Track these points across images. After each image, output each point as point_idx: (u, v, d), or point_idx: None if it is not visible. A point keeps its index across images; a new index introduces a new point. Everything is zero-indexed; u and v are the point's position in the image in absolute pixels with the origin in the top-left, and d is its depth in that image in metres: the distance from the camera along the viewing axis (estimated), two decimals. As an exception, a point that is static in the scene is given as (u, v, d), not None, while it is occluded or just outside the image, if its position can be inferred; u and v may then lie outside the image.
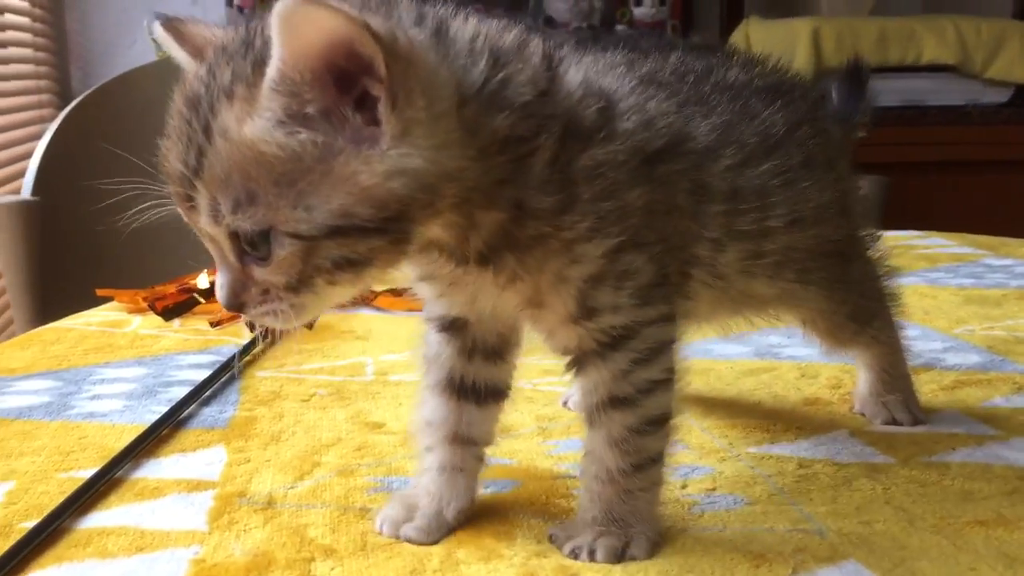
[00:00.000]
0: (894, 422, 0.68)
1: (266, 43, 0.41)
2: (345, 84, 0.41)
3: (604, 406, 0.49)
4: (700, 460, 0.62)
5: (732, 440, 0.65)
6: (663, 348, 0.49)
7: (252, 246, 0.43)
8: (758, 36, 2.81)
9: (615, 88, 0.49)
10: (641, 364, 0.49)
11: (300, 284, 0.43)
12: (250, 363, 0.82)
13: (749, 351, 0.84)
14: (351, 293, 0.46)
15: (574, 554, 0.50)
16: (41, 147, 2.02)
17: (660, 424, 0.50)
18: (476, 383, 0.54)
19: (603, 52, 0.53)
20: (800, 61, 2.63)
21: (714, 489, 0.58)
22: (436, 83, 0.42)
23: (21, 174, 2.24)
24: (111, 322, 0.96)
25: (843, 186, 0.61)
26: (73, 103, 2.10)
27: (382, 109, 0.40)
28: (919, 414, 0.68)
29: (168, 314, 0.96)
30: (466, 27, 0.45)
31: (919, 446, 0.64)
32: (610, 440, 0.49)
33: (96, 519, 0.54)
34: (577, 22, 3.03)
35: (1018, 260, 1.23)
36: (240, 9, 2.63)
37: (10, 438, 0.66)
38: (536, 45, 0.47)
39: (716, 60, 0.57)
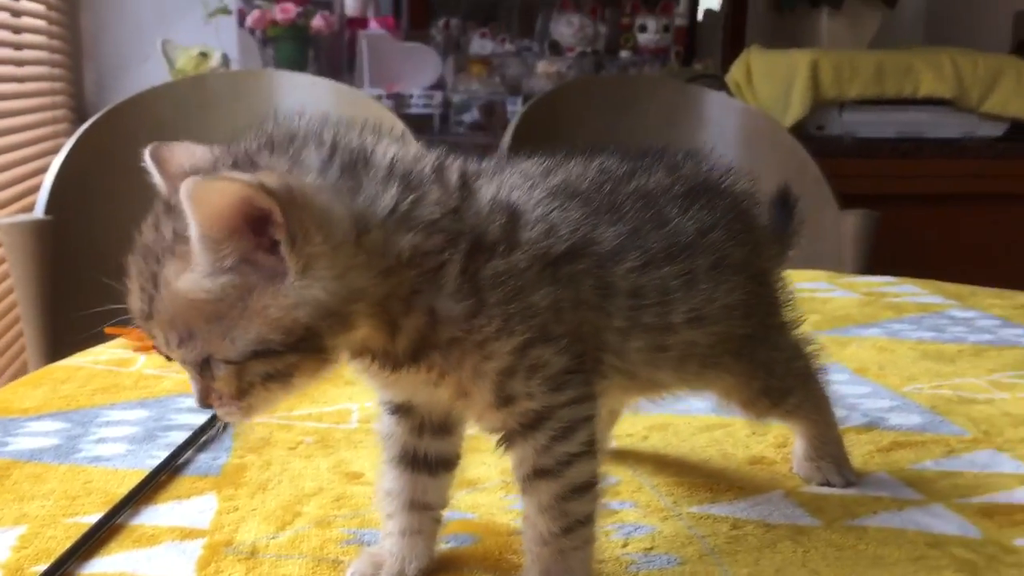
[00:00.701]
0: (828, 484, 0.74)
1: None
2: (259, 229, 0.48)
3: (531, 477, 0.56)
4: (644, 519, 0.68)
5: (677, 499, 0.72)
6: (578, 426, 0.55)
7: (201, 368, 0.51)
8: (759, 66, 2.87)
9: (523, 201, 0.55)
10: (559, 440, 0.55)
11: (242, 393, 0.51)
12: (244, 408, 0.89)
13: (707, 406, 0.90)
14: (291, 394, 0.53)
15: (518, 609, 0.56)
16: (55, 166, 2.09)
17: (584, 490, 0.56)
18: (428, 456, 0.61)
19: (525, 162, 0.59)
20: (798, 92, 2.70)
21: (652, 548, 0.64)
22: (331, 219, 0.49)
23: (35, 190, 2.33)
24: (118, 360, 1.02)
25: (759, 283, 0.67)
26: (87, 123, 2.18)
27: (283, 249, 0.48)
28: (851, 476, 0.75)
29: (171, 354, 1.03)
30: (385, 155, 0.52)
31: (845, 509, 0.70)
32: (540, 507, 0.56)
33: (98, 565, 0.61)
34: (581, 47, 3.10)
35: (981, 312, 1.29)
36: (251, 31, 2.71)
37: (23, 481, 0.73)
38: (454, 166, 0.54)
39: (642, 164, 0.63)
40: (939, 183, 2.69)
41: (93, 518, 0.66)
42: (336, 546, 0.64)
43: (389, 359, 0.54)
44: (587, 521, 0.57)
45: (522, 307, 0.52)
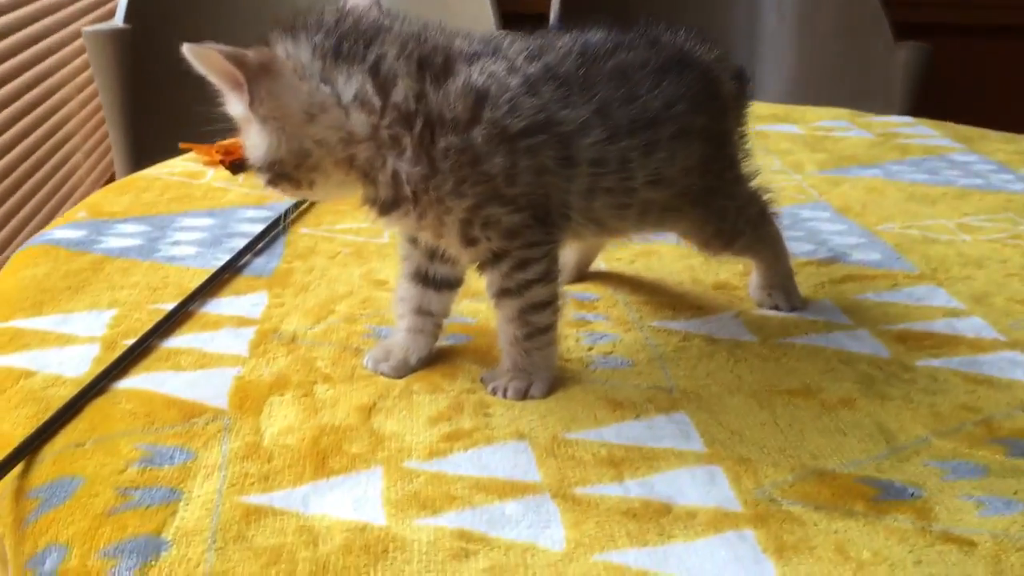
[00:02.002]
0: (776, 308, 0.88)
1: None
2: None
3: (499, 295, 0.71)
4: (611, 329, 0.83)
5: (643, 314, 0.86)
6: (533, 261, 0.69)
7: None
8: None
9: (495, 85, 0.66)
10: (518, 270, 0.69)
11: (273, 182, 0.69)
12: (296, 220, 1.05)
13: (693, 236, 1.03)
14: (289, 195, 0.72)
15: (493, 391, 0.72)
16: (133, -24, 2.20)
17: (542, 307, 0.71)
18: (436, 276, 0.75)
19: (517, 44, 0.69)
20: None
21: (612, 352, 0.79)
22: (290, 94, 0.65)
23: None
24: (190, 173, 1.18)
25: (718, 145, 0.77)
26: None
27: (245, 103, 0.65)
28: (797, 303, 0.88)
29: (235, 169, 1.18)
30: (376, 53, 0.65)
31: (782, 329, 0.84)
32: (507, 318, 0.71)
33: (175, 342, 0.78)
34: None
35: (982, 157, 1.37)
36: None
37: (114, 273, 0.90)
38: (443, 55, 0.66)
39: (627, 40, 0.73)
40: (1005, 14, 2.66)
41: (170, 305, 0.83)
42: (359, 338, 0.80)
43: (377, 205, 0.68)
44: (547, 329, 0.72)
45: (474, 173, 0.66)
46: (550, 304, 0.71)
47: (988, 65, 2.68)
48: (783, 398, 0.73)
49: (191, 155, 1.25)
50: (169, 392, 0.71)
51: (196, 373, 0.73)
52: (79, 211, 1.05)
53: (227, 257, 0.94)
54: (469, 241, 0.69)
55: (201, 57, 0.64)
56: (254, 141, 0.67)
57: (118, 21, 2.12)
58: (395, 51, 0.66)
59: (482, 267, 0.71)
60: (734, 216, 0.81)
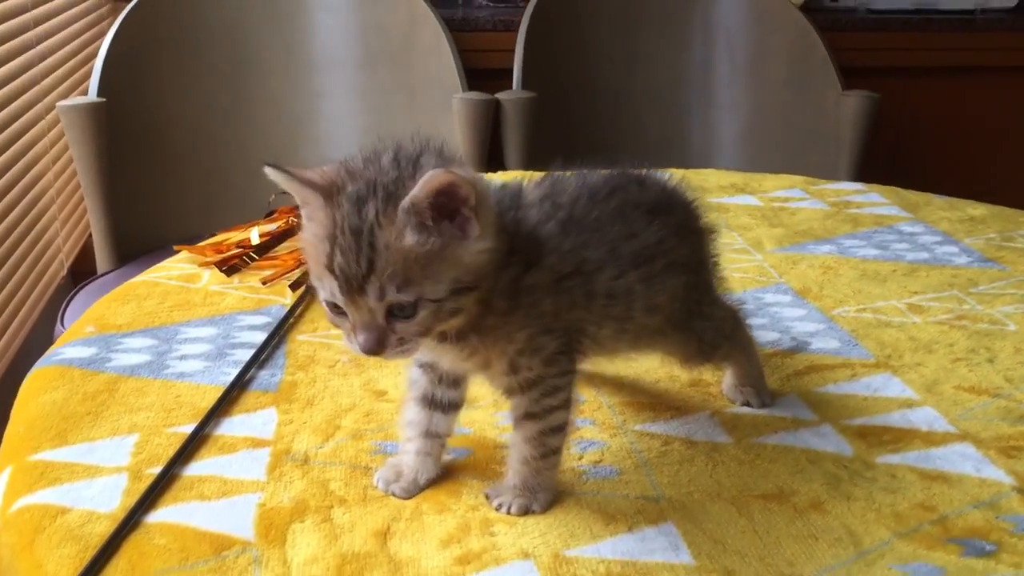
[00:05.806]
0: (748, 405, 0.96)
1: (394, 184, 0.68)
2: (441, 209, 0.67)
3: (522, 418, 0.78)
4: (598, 435, 0.90)
5: (627, 417, 0.93)
6: (559, 388, 0.77)
7: (402, 311, 0.68)
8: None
9: (545, 233, 0.75)
10: (546, 396, 0.77)
11: (427, 331, 0.70)
12: (293, 326, 1.11)
13: (666, 329, 1.11)
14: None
15: (498, 507, 0.79)
16: (104, 48, 2.26)
17: (558, 431, 0.78)
18: (442, 399, 0.82)
19: (544, 190, 0.79)
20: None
21: (600, 461, 0.86)
22: (491, 210, 0.71)
23: (78, 70, 2.49)
24: (186, 276, 1.24)
25: (697, 273, 0.87)
26: (129, 5, 2.32)
27: (471, 220, 0.68)
28: (767, 399, 0.96)
29: (229, 272, 1.24)
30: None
31: (754, 428, 0.92)
32: (525, 438, 0.78)
33: (196, 468, 0.84)
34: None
35: (927, 226, 1.47)
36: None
37: (128, 394, 0.96)
38: (515, 195, 0.76)
39: (621, 182, 0.82)
40: (949, 56, 2.80)
41: (187, 428, 0.89)
42: (367, 456, 0.87)
43: (440, 336, 0.73)
44: (557, 451, 0.79)
45: (537, 310, 0.74)
46: (564, 428, 0.79)
47: (933, 102, 2.81)
48: (759, 503, 0.80)
49: (183, 255, 1.30)
50: (198, 524, 0.77)
51: (220, 502, 0.80)
52: (86, 325, 1.10)
53: (233, 371, 1.00)
54: (513, 369, 0.76)
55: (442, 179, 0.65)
56: (475, 248, 0.68)
57: (92, 95, 2.17)
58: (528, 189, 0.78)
59: (511, 392, 0.78)
60: (712, 334, 0.89)
